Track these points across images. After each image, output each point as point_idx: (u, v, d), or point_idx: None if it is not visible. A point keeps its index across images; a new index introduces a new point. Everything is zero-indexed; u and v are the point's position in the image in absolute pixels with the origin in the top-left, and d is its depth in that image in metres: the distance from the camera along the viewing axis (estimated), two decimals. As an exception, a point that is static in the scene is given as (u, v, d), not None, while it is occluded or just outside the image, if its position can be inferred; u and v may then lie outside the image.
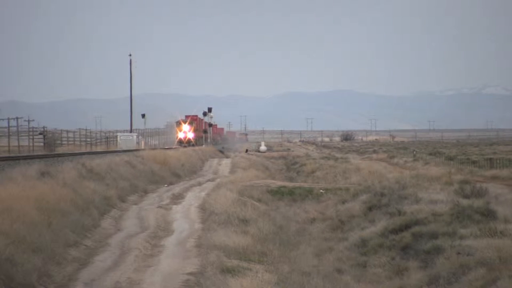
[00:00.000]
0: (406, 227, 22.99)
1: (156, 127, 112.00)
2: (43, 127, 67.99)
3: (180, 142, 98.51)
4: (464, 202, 25.00)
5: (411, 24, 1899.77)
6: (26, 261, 14.39)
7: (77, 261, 17.13)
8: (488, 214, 22.70)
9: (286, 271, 16.75)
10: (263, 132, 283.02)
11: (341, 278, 19.24)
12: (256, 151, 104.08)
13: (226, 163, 66.73)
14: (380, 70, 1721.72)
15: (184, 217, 26.02)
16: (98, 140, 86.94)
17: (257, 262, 17.52)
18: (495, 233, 19.98)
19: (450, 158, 62.92)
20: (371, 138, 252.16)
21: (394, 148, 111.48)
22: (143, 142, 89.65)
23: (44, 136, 66.22)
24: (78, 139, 79.03)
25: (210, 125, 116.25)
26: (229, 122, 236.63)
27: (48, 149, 62.23)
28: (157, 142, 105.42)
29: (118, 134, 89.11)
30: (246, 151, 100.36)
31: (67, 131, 79.24)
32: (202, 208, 28.22)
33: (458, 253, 18.79)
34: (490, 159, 54.98)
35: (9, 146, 58.50)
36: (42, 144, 65.31)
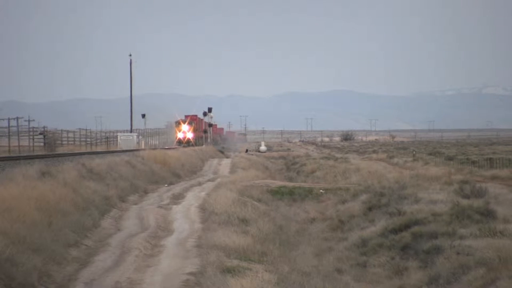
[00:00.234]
0: (406, 227, 23.01)
1: (156, 127, 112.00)
2: (43, 127, 68.02)
3: (179, 142, 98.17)
4: (464, 202, 25.02)
5: (411, 24, 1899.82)
6: (26, 261, 14.40)
7: (77, 261, 17.15)
8: (488, 214, 22.73)
9: (286, 271, 16.76)
10: (263, 132, 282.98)
11: (341, 278, 19.26)
12: (256, 151, 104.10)
13: (226, 163, 66.74)
14: (380, 70, 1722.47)
15: (184, 217, 26.04)
16: (98, 140, 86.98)
17: (257, 262, 17.53)
18: (495, 233, 20.00)
19: (450, 158, 62.90)
20: (371, 138, 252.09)
21: (394, 148, 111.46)
22: (143, 142, 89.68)
23: (44, 136, 66.25)
24: (78, 139, 79.09)
25: (210, 125, 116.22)
26: (229, 122, 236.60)
27: (48, 149, 62.26)
28: (157, 142, 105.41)
29: (118, 134, 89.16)
30: (246, 151, 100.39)
31: (67, 131, 79.29)
32: (202, 208, 28.23)
33: (458, 253, 18.81)
34: (490, 159, 54.99)
35: (9, 146, 58.52)
36: (42, 144, 65.34)
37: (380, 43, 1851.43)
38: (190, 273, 15.75)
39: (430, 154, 74.83)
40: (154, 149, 64.15)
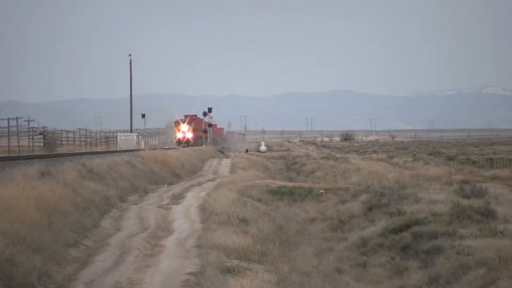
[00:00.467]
0: (406, 227, 23.00)
1: (156, 127, 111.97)
2: (43, 127, 68.00)
3: (179, 142, 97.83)
4: (464, 202, 25.02)
5: (411, 24, 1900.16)
6: (26, 261, 14.39)
7: (77, 261, 17.14)
8: (488, 214, 22.72)
9: (286, 271, 16.75)
10: (263, 132, 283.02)
11: (341, 278, 19.25)
12: (256, 151, 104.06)
13: (226, 163, 66.74)
14: (380, 70, 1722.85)
15: (184, 217, 26.02)
16: (98, 140, 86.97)
17: (257, 262, 17.52)
18: (495, 233, 19.99)
19: (450, 158, 62.88)
20: (371, 138, 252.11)
21: (394, 148, 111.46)
22: (143, 142, 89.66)
23: (44, 136, 66.23)
24: (78, 139, 79.07)
25: (210, 125, 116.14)
26: (229, 122, 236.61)
27: (48, 149, 62.24)
28: (157, 142, 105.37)
29: (118, 134, 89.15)
30: (246, 151, 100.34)
31: (67, 131, 79.28)
32: (202, 208, 28.22)
33: (458, 253, 18.80)
34: (490, 159, 54.98)
35: (9, 146, 58.52)
36: (42, 144, 65.32)
37: (380, 43, 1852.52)
38: (190, 273, 15.74)
39: (430, 154, 74.82)
40: (154, 149, 64.14)
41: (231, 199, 28.25)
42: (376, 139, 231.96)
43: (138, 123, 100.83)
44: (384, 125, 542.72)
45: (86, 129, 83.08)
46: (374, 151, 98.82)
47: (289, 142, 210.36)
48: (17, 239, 15.24)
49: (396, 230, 23.10)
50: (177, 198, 33.47)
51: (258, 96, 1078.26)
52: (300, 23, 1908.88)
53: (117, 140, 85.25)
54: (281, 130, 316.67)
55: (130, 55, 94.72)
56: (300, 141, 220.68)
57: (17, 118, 60.65)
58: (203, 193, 34.70)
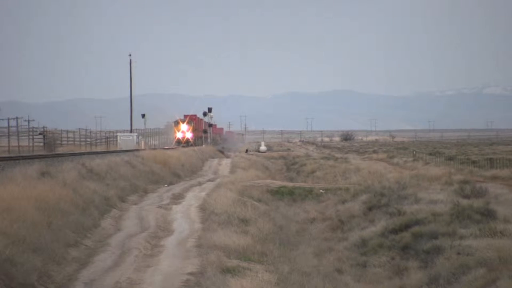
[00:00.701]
0: (406, 227, 23.00)
1: (156, 127, 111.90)
2: (43, 127, 67.97)
3: (178, 142, 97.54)
4: (464, 202, 25.02)
5: (411, 24, 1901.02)
6: (26, 261, 14.39)
7: (77, 261, 17.14)
8: (488, 214, 22.72)
9: (286, 271, 16.75)
10: (263, 132, 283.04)
11: (341, 278, 19.25)
12: (256, 151, 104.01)
13: (226, 163, 66.75)
14: (380, 70, 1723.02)
15: (184, 217, 26.03)
16: (98, 140, 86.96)
17: (257, 262, 17.53)
18: (495, 233, 19.99)
19: (450, 158, 62.87)
20: (371, 138, 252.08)
21: (394, 148, 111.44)
22: (143, 142, 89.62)
23: (44, 136, 66.19)
24: (78, 139, 79.03)
25: (210, 125, 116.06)
26: (229, 122, 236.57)
27: (48, 149, 62.22)
28: (157, 142, 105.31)
29: (118, 134, 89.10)
30: (246, 151, 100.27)
31: (67, 131, 79.25)
32: (202, 208, 28.23)
33: (458, 253, 18.80)
34: (490, 159, 54.96)
35: (9, 146, 58.51)
36: (42, 144, 65.29)
37: (380, 43, 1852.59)
38: (190, 273, 15.74)
39: (430, 154, 74.79)
40: (154, 149, 64.16)
41: (231, 199, 28.25)
42: (376, 139, 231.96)
43: (138, 123, 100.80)
44: (384, 125, 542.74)
45: (86, 129, 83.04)
46: (374, 151, 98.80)
47: (289, 142, 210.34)
48: (17, 239, 15.24)
49: (396, 230, 23.10)
50: (177, 198, 33.47)
51: (258, 96, 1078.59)
52: (300, 23, 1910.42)
53: (117, 140, 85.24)
54: (281, 130, 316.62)
55: (130, 55, 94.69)
56: (300, 141, 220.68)
57: (17, 118, 60.65)
58: (203, 193, 34.71)
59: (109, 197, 27.92)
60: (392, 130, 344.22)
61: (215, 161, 71.46)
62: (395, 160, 71.52)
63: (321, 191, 37.33)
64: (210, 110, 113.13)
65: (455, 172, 46.06)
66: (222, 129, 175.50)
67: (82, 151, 59.76)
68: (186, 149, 76.07)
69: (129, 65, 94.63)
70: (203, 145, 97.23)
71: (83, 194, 24.98)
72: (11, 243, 14.69)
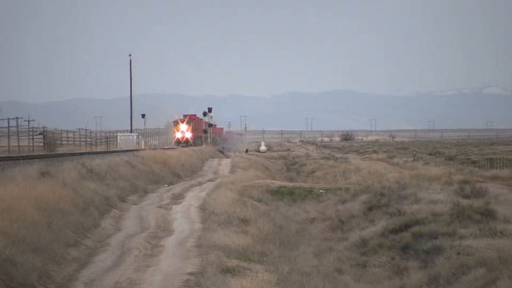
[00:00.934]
0: (406, 227, 23.00)
1: (156, 127, 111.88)
2: (43, 127, 67.97)
3: (178, 142, 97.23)
4: (464, 202, 25.02)
5: (411, 24, 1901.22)
6: (26, 261, 14.39)
7: (77, 261, 17.14)
8: (488, 214, 22.72)
9: (286, 271, 16.75)
10: (263, 132, 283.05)
11: (341, 278, 19.25)
12: (256, 151, 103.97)
13: (226, 163, 66.75)
14: (380, 70, 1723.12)
15: (184, 217, 26.04)
16: (98, 140, 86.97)
17: (257, 262, 17.53)
18: (495, 233, 19.99)
19: (450, 158, 62.86)
20: (371, 138, 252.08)
21: (394, 148, 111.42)
22: (143, 142, 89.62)
23: (44, 136, 66.19)
24: (78, 139, 79.04)
25: (210, 125, 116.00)
26: (229, 122, 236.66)
27: (48, 149, 62.22)
28: (157, 142, 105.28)
29: (118, 134, 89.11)
30: (246, 151, 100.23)
31: (67, 131, 79.26)
32: (202, 208, 28.23)
33: (458, 253, 18.80)
34: (490, 159, 54.95)
35: (9, 146, 58.52)
36: (42, 144, 65.29)
37: (380, 43, 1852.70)
38: (190, 273, 15.75)
39: (431, 154, 74.78)
40: (154, 149, 64.16)
41: (231, 199, 28.25)
42: (376, 139, 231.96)
43: (138, 123, 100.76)
44: (384, 125, 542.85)
45: (86, 129, 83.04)
46: (374, 151, 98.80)
47: (289, 142, 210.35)
48: (17, 239, 15.24)
49: (396, 230, 23.10)
50: (177, 198, 33.47)
51: (258, 96, 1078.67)
52: (300, 23, 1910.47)
53: (117, 140, 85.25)
54: (281, 130, 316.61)
55: (130, 55, 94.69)
56: (300, 141, 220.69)
57: (17, 118, 60.67)
58: (203, 193, 34.71)
59: (109, 197, 27.92)
60: (392, 130, 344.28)
61: (215, 161, 71.46)
62: (395, 160, 71.52)
63: (321, 191, 37.33)
64: (210, 110, 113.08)
65: (455, 172, 46.06)
66: (222, 129, 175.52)
67: (82, 151, 59.76)
68: (186, 149, 76.03)
69: (129, 65, 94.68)
70: (203, 145, 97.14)
71: (83, 194, 24.98)
72: (11, 243, 14.69)
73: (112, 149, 73.09)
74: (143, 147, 75.11)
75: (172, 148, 78.43)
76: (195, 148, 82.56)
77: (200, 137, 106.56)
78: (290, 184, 40.70)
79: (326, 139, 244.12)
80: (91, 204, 24.32)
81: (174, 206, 29.43)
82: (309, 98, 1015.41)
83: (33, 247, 15.50)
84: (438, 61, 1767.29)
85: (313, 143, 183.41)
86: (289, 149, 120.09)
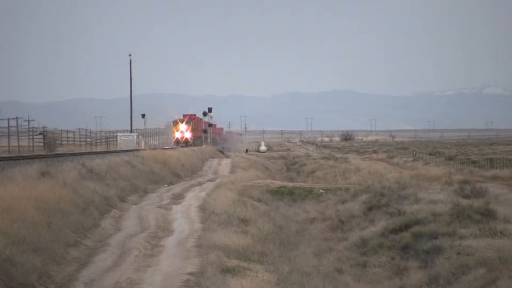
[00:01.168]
0: (406, 227, 23.00)
1: (156, 127, 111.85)
2: (43, 127, 67.97)
3: (177, 142, 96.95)
4: (464, 202, 25.02)
5: (411, 24, 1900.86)
6: (26, 261, 14.39)
7: (77, 261, 17.14)
8: (488, 214, 22.71)
9: (286, 271, 16.75)
10: (263, 132, 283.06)
11: (341, 278, 19.25)
12: (256, 151, 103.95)
13: (226, 163, 66.74)
14: (380, 70, 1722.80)
15: (184, 217, 26.03)
16: (98, 140, 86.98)
17: (257, 262, 17.53)
18: (495, 233, 19.98)
19: (450, 158, 62.85)
20: (371, 138, 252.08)
21: (394, 148, 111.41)
22: (143, 142, 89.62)
23: (44, 136, 66.19)
24: (78, 139, 79.05)
25: (210, 125, 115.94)
26: (229, 122, 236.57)
27: (48, 149, 62.22)
28: (157, 142, 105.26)
29: (118, 134, 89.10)
30: (246, 151, 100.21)
31: (67, 131, 79.26)
32: (202, 208, 28.23)
33: (458, 253, 18.80)
34: (490, 159, 54.95)
35: (9, 146, 58.52)
36: (42, 144, 65.30)
37: (380, 43, 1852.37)
38: (190, 273, 15.75)
39: (430, 154, 74.77)
40: (154, 149, 64.16)
41: (231, 199, 28.25)
42: (376, 139, 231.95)
43: (138, 123, 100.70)
44: (384, 125, 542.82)
45: (86, 129, 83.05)
46: (374, 151, 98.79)
47: (289, 142, 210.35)
48: (17, 239, 15.24)
49: (396, 230, 23.10)
50: (177, 198, 33.47)
51: (258, 96, 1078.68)
52: (300, 23, 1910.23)
53: (117, 140, 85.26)
54: (281, 130, 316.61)
55: (130, 55, 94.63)
56: (300, 141, 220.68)
57: (17, 118, 60.67)
58: (203, 193, 34.71)
59: (109, 197, 27.92)
60: (392, 130, 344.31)
61: (215, 161, 71.46)
62: (395, 160, 71.52)
63: (321, 191, 37.33)
64: (210, 110, 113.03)
65: (455, 172, 46.06)
66: (222, 129, 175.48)
67: (82, 151, 59.77)
68: (186, 149, 76.00)
69: (129, 65, 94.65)
70: (203, 145, 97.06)
71: (83, 194, 24.98)
72: (11, 243, 14.69)
73: (112, 149, 73.10)
74: (143, 147, 75.11)
75: (172, 148, 78.41)
76: (195, 148, 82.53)
77: (200, 137, 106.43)
78: (290, 184, 40.70)
79: (326, 139, 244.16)
80: (91, 204, 24.32)
81: (174, 206, 29.43)
82: (309, 98, 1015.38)
83: (33, 247, 15.50)
84: (438, 61, 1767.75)
85: (313, 143, 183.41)
86: (289, 149, 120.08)
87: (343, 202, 32.57)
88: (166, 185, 40.52)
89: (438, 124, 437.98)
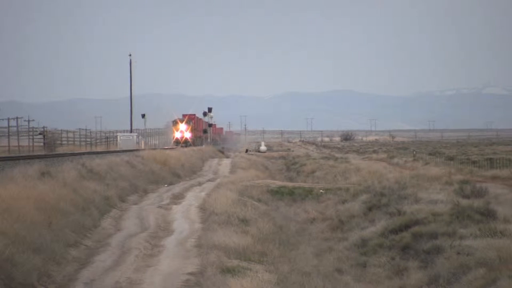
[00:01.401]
0: (406, 227, 22.99)
1: (156, 127, 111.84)
2: (43, 127, 67.99)
3: (177, 142, 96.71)
4: (464, 202, 25.01)
5: (411, 24, 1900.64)
6: (26, 261, 14.39)
7: (77, 261, 17.14)
8: (488, 214, 22.72)
9: (286, 271, 16.75)
10: (263, 132, 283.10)
11: (341, 278, 19.26)
12: (256, 151, 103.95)
13: (226, 163, 66.73)
14: (380, 70, 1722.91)
15: (184, 217, 26.03)
16: (98, 140, 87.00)
17: (257, 262, 17.53)
18: (495, 233, 19.98)
19: (450, 158, 62.83)
20: (371, 138, 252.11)
21: (394, 148, 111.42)
22: (143, 142, 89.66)
23: (44, 136, 66.23)
24: (78, 139, 79.08)
25: (210, 125, 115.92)
26: (229, 122, 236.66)
27: (48, 149, 62.26)
28: (157, 142, 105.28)
29: (118, 134, 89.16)
30: (246, 151, 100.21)
31: (67, 131, 79.29)
32: (202, 208, 28.22)
33: (458, 253, 18.80)
34: (490, 159, 54.94)
35: (9, 146, 58.54)
36: (42, 144, 65.32)
37: (380, 43, 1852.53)
38: (190, 273, 15.74)
39: (431, 154, 74.77)
40: (154, 149, 64.14)
41: (231, 199, 28.25)
42: (376, 139, 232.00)
43: (138, 123, 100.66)
44: (384, 125, 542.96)
45: (86, 129, 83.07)
46: (374, 151, 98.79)
47: (289, 142, 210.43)
48: (17, 239, 15.23)
49: (396, 230, 23.10)
50: (177, 198, 33.47)
51: (258, 96, 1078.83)
52: (300, 23, 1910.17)
53: (117, 140, 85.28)
54: (281, 130, 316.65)
55: (130, 55, 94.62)
56: (300, 141, 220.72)
57: (17, 118, 60.70)
58: (203, 193, 34.71)
59: (109, 197, 27.92)
60: (392, 130, 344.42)
61: (215, 161, 71.45)
62: (395, 160, 71.52)
63: (321, 191, 37.33)
64: (210, 110, 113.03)
65: (455, 172, 46.06)
66: (222, 129, 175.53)
67: (82, 151, 59.79)
68: (186, 149, 76.00)
69: (129, 65, 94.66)
70: (203, 145, 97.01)
71: (83, 194, 24.98)
72: (11, 243, 14.68)
73: (112, 149, 73.12)
74: (143, 147, 75.11)
75: (172, 148, 78.38)
76: (195, 148, 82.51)
77: (200, 137, 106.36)
78: (290, 184, 40.70)
79: (326, 139, 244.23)
80: (91, 204, 24.32)
81: (174, 206, 29.42)
82: (309, 98, 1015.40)
83: (33, 247, 15.50)
84: (438, 61, 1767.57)
85: (313, 143, 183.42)
86: (289, 149, 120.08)
87: (343, 202, 32.57)
88: (166, 185, 40.52)
89: (438, 124, 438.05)
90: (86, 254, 18.03)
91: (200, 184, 43.19)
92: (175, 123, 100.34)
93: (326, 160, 68.34)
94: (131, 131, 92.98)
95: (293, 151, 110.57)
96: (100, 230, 21.94)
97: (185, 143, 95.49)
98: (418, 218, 23.45)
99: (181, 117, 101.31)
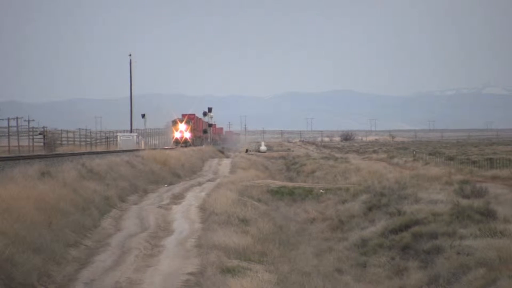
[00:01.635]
0: (406, 227, 22.99)
1: (156, 127, 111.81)
2: (43, 127, 67.98)
3: (177, 142, 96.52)
4: (464, 202, 25.01)
5: (411, 24, 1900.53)
6: (26, 261, 14.39)
7: (77, 261, 17.14)
8: (488, 214, 22.71)
9: (286, 271, 16.75)
10: (263, 132, 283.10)
11: (341, 278, 19.25)
12: (256, 151, 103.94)
13: (226, 163, 66.72)
14: (380, 70, 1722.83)
15: (184, 217, 26.02)
16: (98, 140, 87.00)
17: (257, 262, 17.52)
18: (495, 233, 19.98)
19: (450, 158, 62.83)
20: (371, 138, 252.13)
21: (394, 148, 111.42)
22: (143, 142, 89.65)
23: (44, 136, 66.22)
24: (78, 139, 79.08)
25: (210, 125, 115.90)
26: (229, 122, 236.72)
27: (48, 149, 62.25)
28: (157, 142, 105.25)
29: (118, 134, 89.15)
30: (246, 151, 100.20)
31: (67, 131, 79.28)
32: (202, 208, 28.21)
33: (458, 253, 18.80)
34: (490, 159, 54.93)
35: (9, 146, 58.54)
36: (42, 144, 65.32)
37: (380, 43, 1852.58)
38: (190, 273, 15.74)
39: (430, 154, 74.76)
40: (154, 149, 64.13)
41: (231, 199, 28.25)
42: (376, 139, 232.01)
43: (138, 123, 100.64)
44: (384, 125, 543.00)
45: (86, 129, 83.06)
46: (374, 151, 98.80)
47: (289, 142, 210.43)
48: (17, 239, 15.23)
49: (396, 230, 23.10)
50: (177, 198, 33.46)
51: (258, 96, 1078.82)
52: (300, 23, 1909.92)
53: (117, 140, 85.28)
54: (281, 130, 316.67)
55: (130, 55, 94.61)
56: (300, 141, 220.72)
57: (17, 118, 60.69)
58: (203, 193, 34.70)
59: (109, 197, 27.91)
60: (392, 130, 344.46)
61: (215, 161, 71.44)
62: (395, 160, 71.52)
63: (321, 191, 37.32)
64: (210, 110, 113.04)
65: (455, 172, 46.07)
66: (221, 129, 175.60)
67: (82, 151, 59.78)
68: (186, 149, 75.97)
69: (129, 65, 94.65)
70: (203, 145, 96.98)
71: (83, 194, 24.98)
72: (11, 243, 14.68)
73: (112, 149, 73.12)
74: (143, 147, 75.10)
75: (172, 148, 78.36)
76: (195, 148, 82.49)
77: (200, 137, 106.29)
78: (290, 184, 40.70)
79: (326, 139, 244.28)
80: (91, 204, 24.31)
81: (174, 206, 29.41)
82: (309, 98, 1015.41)
83: (33, 247, 15.49)
84: (438, 61, 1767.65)
85: (313, 143, 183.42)
86: (289, 149, 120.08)
87: (343, 202, 32.57)
88: (166, 185, 40.51)
89: (438, 124, 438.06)
90: (86, 254, 18.03)
91: (200, 184, 43.19)
92: (174, 123, 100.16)
93: (326, 160, 68.33)
94: (131, 131, 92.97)
95: (293, 151, 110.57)
96: (100, 230, 21.94)
97: (185, 143, 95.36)
98: (418, 218, 23.45)
99: (180, 117, 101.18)
